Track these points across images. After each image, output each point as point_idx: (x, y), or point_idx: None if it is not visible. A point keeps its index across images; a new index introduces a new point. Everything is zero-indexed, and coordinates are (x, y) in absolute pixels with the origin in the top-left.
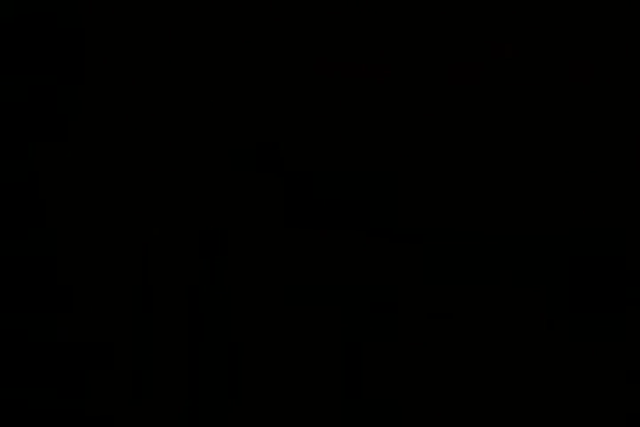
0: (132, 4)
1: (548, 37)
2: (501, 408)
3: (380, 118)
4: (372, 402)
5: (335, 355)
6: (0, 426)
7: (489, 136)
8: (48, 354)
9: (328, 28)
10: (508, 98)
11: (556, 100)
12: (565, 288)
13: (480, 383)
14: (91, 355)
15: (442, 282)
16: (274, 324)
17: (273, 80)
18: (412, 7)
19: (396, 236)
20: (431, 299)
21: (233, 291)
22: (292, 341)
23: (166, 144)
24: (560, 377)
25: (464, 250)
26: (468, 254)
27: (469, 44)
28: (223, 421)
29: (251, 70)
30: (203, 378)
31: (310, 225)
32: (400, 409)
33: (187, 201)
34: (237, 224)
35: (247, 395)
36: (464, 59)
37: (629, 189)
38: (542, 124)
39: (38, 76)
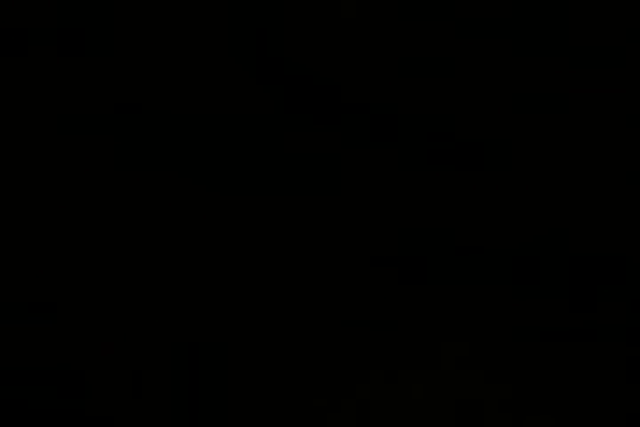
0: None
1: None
2: (501, 408)
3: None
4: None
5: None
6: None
7: None
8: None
9: None
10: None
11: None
12: (565, 288)
13: (479, 383)
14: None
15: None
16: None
17: None
18: None
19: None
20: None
21: None
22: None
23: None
24: (560, 377)
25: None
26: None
27: None
28: (221, 420)
29: None
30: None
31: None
32: (397, 409)
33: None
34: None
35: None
36: None
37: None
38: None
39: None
